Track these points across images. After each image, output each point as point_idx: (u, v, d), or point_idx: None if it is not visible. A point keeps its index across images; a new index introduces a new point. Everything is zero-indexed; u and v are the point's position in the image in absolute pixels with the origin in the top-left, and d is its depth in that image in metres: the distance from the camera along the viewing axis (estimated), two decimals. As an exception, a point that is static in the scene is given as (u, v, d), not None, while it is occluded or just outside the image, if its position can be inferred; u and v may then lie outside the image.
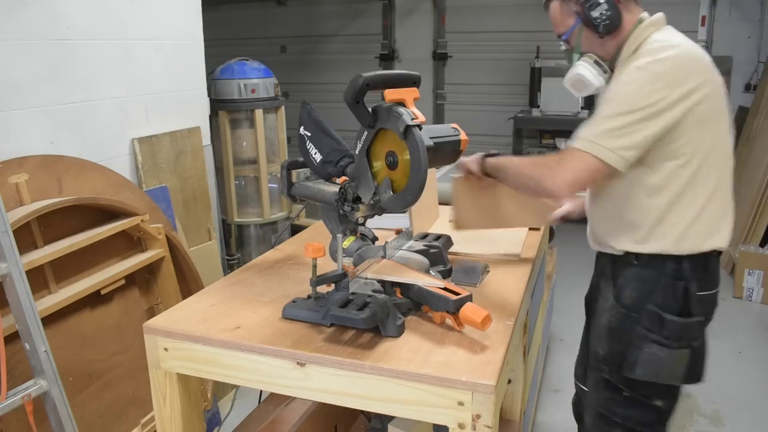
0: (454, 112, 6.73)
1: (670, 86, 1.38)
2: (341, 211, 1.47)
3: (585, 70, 1.55)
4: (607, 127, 1.40)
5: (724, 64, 5.47)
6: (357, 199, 1.43)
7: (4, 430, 1.77)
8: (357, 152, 1.39)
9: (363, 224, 1.54)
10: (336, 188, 1.48)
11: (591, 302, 1.78)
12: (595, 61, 1.56)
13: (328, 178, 1.55)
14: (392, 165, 1.34)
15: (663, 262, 1.49)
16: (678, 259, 1.48)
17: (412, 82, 1.33)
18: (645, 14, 1.55)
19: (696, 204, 1.46)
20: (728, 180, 1.51)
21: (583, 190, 1.62)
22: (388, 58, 6.80)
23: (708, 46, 5.34)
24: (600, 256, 1.71)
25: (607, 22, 1.50)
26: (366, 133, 1.36)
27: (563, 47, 1.64)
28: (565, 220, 1.77)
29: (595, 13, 1.50)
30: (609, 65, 1.57)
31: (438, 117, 6.77)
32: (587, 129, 1.44)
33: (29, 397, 1.67)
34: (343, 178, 1.50)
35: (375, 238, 1.58)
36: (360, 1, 6.83)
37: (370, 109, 1.33)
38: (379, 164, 1.37)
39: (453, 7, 6.53)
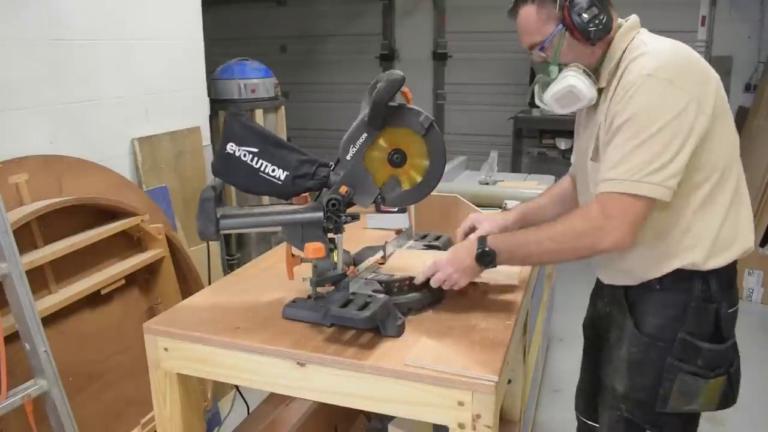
0: (454, 112, 6.72)
1: (688, 90, 1.24)
2: (330, 226, 1.35)
3: (577, 80, 1.34)
4: (647, 157, 1.24)
5: (724, 64, 5.46)
6: (346, 207, 1.37)
7: (4, 430, 1.77)
8: (350, 157, 1.35)
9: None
10: (303, 204, 1.38)
11: (598, 332, 1.60)
12: (584, 71, 1.35)
13: (291, 197, 1.41)
14: (398, 163, 1.34)
15: (690, 283, 1.36)
16: (705, 278, 1.36)
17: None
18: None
19: (720, 210, 1.36)
20: (743, 175, 1.42)
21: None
22: (388, 58, 6.78)
23: (708, 46, 5.33)
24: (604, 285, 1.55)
25: (599, 27, 1.31)
26: (365, 135, 1.33)
27: (535, 59, 1.42)
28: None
29: (585, 16, 1.30)
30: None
31: (438, 117, 6.76)
32: (623, 166, 1.25)
33: (29, 397, 1.67)
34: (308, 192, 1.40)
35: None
36: (360, 1, 6.82)
37: None
38: (374, 166, 1.36)
39: (453, 7, 6.51)
